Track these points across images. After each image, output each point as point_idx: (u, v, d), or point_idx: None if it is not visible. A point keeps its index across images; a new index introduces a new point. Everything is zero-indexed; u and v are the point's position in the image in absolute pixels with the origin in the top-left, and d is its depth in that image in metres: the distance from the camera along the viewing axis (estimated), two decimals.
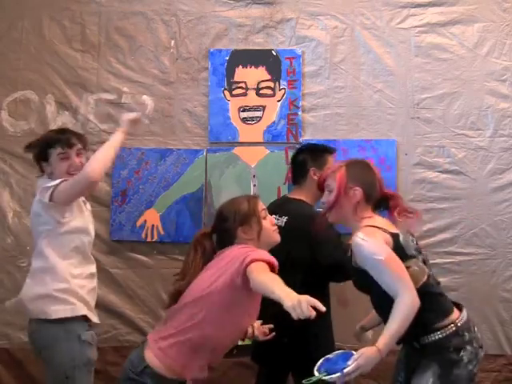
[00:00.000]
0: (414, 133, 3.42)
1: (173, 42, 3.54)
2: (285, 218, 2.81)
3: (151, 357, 2.23)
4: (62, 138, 2.57)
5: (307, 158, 2.91)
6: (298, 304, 1.81)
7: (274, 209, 2.81)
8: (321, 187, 2.40)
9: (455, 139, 3.41)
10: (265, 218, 2.40)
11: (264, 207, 2.44)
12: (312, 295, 1.99)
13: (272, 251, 2.37)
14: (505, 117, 3.40)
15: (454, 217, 3.36)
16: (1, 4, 3.58)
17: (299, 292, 2.03)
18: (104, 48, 3.54)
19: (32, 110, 3.51)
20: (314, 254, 2.70)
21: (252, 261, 2.10)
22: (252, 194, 3.35)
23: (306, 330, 2.55)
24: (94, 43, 3.54)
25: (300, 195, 2.90)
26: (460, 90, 3.43)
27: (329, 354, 2.16)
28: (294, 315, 1.81)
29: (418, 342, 2.22)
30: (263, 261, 2.12)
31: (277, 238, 2.43)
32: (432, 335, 2.19)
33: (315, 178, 2.80)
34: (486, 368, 3.25)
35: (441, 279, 3.29)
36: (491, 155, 3.39)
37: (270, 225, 2.41)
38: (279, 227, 2.57)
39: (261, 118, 3.46)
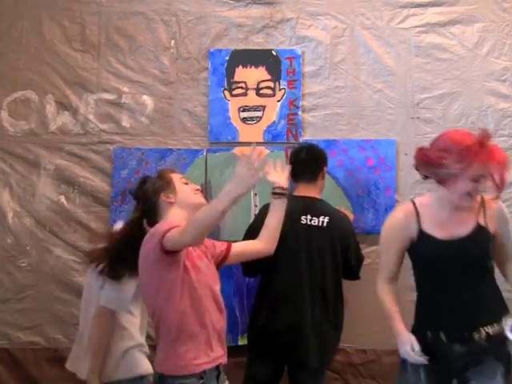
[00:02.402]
0: (414, 133, 3.42)
1: (173, 42, 3.54)
2: (326, 218, 2.87)
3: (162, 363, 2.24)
4: None
5: (322, 157, 3.02)
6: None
7: (300, 209, 2.88)
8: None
9: None
10: (186, 184, 2.42)
11: (182, 176, 2.47)
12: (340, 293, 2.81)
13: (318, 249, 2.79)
14: (505, 117, 3.41)
15: None
16: (0, 4, 3.58)
17: (332, 288, 2.84)
18: (104, 48, 3.53)
19: (32, 110, 3.51)
20: (347, 253, 2.92)
21: (163, 235, 2.14)
22: (252, 193, 3.35)
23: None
24: (94, 43, 3.54)
25: (315, 193, 2.97)
26: (460, 90, 3.43)
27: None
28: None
29: (485, 331, 2.15)
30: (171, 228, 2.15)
31: (200, 199, 2.41)
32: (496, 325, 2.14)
33: (323, 176, 3.00)
34: None
35: None
36: None
37: (191, 189, 2.41)
38: (315, 227, 2.83)
39: (261, 117, 3.46)
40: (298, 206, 2.88)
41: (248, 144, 3.43)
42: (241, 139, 3.45)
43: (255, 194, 3.37)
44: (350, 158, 3.40)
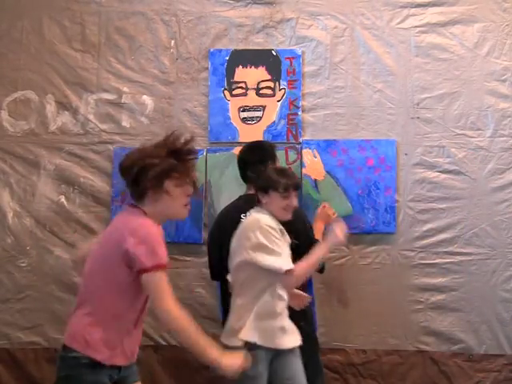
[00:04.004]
0: (414, 133, 3.42)
1: (173, 42, 3.54)
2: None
3: None
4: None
5: (266, 156, 2.92)
6: None
7: (236, 208, 2.86)
8: None
9: (455, 139, 3.41)
10: (183, 186, 2.04)
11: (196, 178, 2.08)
12: None
13: None
14: (505, 117, 3.40)
15: (454, 217, 3.36)
16: (1, 4, 3.58)
17: None
18: (104, 48, 3.54)
19: (32, 110, 3.51)
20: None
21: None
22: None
23: None
24: (94, 43, 3.54)
25: None
26: (460, 90, 3.43)
27: None
28: None
29: None
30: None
31: (182, 214, 2.09)
32: None
33: None
34: (486, 368, 3.25)
35: (441, 279, 3.34)
36: (491, 155, 3.39)
37: (184, 196, 2.05)
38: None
39: (261, 117, 3.46)
40: (236, 206, 2.90)
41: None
42: (241, 139, 3.44)
43: None
44: (350, 157, 3.40)
